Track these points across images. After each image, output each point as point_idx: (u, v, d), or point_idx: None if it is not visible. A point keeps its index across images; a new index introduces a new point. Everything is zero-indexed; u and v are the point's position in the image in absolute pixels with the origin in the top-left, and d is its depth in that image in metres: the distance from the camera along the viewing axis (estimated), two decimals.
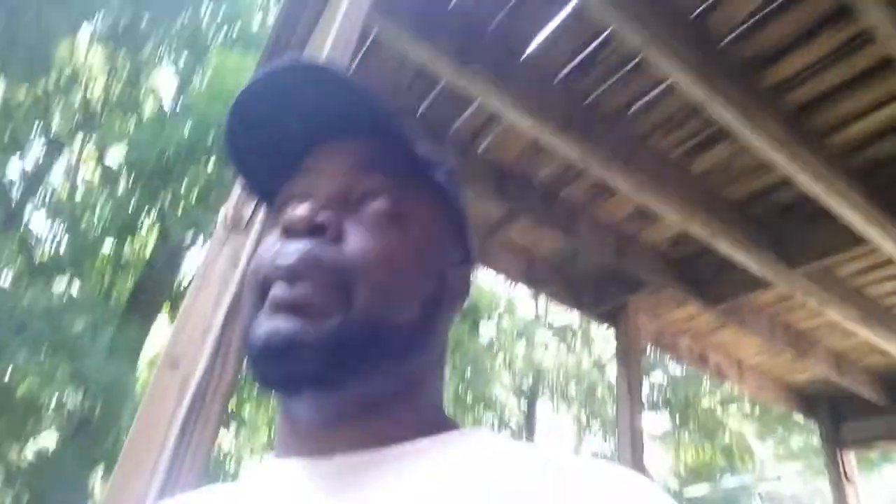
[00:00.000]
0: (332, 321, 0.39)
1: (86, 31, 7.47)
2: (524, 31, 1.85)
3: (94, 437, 6.44)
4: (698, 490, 11.20)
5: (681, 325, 3.45)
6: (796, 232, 2.38)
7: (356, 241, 0.42)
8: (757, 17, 1.66)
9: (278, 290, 0.40)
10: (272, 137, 0.48)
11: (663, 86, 1.92)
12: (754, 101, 1.69)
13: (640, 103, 2.01)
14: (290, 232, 0.42)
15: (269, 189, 0.50)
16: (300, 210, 0.42)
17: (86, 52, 7.92)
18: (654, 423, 11.88)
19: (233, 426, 8.74)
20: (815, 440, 5.06)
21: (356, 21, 1.06)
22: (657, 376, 11.43)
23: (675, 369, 11.18)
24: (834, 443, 3.85)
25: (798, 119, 1.90)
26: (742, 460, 11.56)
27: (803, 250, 2.37)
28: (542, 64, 1.92)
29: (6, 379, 6.36)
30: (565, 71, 1.94)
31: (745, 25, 1.67)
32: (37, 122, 7.72)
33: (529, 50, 1.89)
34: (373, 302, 0.40)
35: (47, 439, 7.62)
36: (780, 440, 11.39)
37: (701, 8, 1.65)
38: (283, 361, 0.38)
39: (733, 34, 1.69)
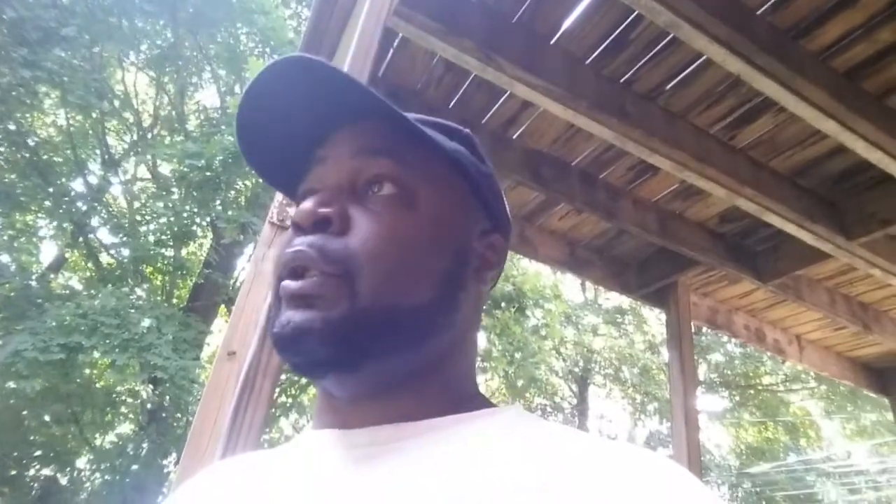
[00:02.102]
0: (338, 310, 0.40)
1: (134, 57, 7.88)
2: (551, 15, 1.82)
3: (165, 426, 6.87)
4: (760, 468, 10.85)
5: (734, 302, 3.34)
6: (853, 201, 2.27)
7: (362, 228, 0.43)
8: None
9: (288, 284, 0.42)
10: (281, 136, 0.49)
11: (699, 61, 1.86)
12: (796, 70, 1.61)
13: (675, 80, 1.95)
14: (298, 228, 0.43)
15: (292, 184, 0.51)
16: (306, 205, 0.43)
17: (135, 77, 8.35)
18: (713, 402, 11.56)
19: (293, 414, 9.09)
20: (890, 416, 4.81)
21: (376, 24, 1.09)
22: (716, 356, 11.09)
23: (734, 349, 10.82)
24: None
25: (848, 84, 1.80)
26: (808, 438, 11.11)
27: (861, 220, 2.25)
28: (571, 47, 1.90)
29: (86, 375, 6.86)
30: (596, 53, 1.91)
31: None
32: (95, 143, 8.19)
33: (558, 34, 1.87)
34: (379, 289, 0.41)
35: (125, 428, 8.17)
36: (850, 417, 10.87)
37: None
38: (299, 350, 0.41)
39: (768, 4, 1.62)
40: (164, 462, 7.07)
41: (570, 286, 11.67)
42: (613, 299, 11.37)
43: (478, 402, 0.47)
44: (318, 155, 0.48)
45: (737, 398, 11.50)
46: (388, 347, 0.42)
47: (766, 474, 10.78)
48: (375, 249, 0.42)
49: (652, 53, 1.88)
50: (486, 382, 9.83)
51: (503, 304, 8.28)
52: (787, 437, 11.40)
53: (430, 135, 0.47)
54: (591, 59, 1.93)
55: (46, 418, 7.20)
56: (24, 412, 6.84)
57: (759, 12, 1.65)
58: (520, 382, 9.77)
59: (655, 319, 11.14)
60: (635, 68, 1.94)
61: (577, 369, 11.69)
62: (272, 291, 0.44)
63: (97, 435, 7.91)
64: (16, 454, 7.13)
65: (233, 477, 0.48)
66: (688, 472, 0.38)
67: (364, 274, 0.41)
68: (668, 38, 1.81)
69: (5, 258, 7.00)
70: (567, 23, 1.84)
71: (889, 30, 1.69)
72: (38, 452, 7.38)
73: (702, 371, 10.88)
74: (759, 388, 11.20)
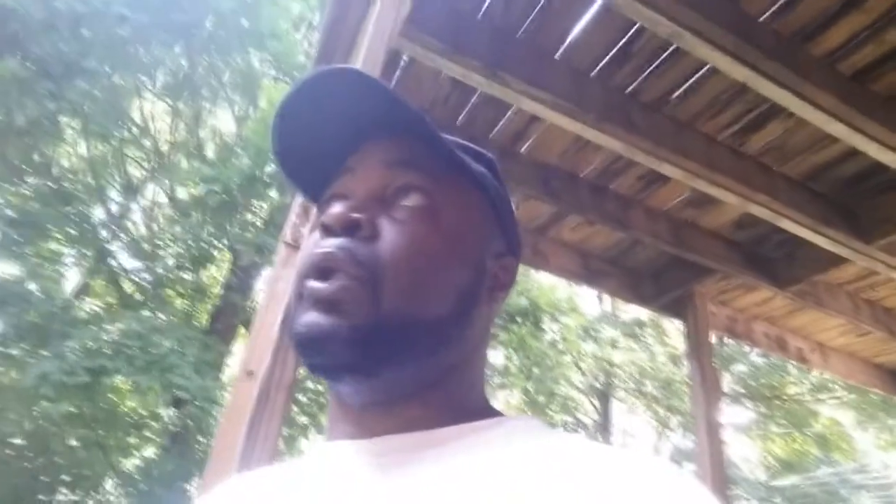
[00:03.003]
0: (362, 316, 0.41)
1: (151, 85, 8.13)
2: (554, 31, 1.85)
3: (187, 448, 6.92)
4: (790, 481, 10.53)
5: (753, 310, 3.29)
6: (868, 204, 2.24)
7: (389, 237, 0.44)
8: None
9: (314, 284, 0.43)
10: (315, 141, 0.51)
11: (704, 70, 1.87)
12: (803, 74, 1.61)
13: (681, 89, 1.96)
14: (327, 230, 0.44)
15: (317, 191, 0.52)
16: (336, 208, 0.45)
17: (152, 104, 8.61)
18: (739, 414, 11.30)
19: (312, 433, 9.08)
20: None
21: (381, 46, 1.12)
22: (739, 367, 10.86)
23: (757, 359, 10.59)
24: None
25: (856, 87, 1.79)
26: (840, 450, 10.78)
27: (879, 223, 2.22)
28: (576, 60, 1.92)
29: (110, 399, 6.96)
30: (601, 65, 1.93)
31: (781, 2, 1.60)
32: (115, 171, 8.43)
33: (562, 49, 1.89)
34: (402, 298, 0.42)
35: (148, 451, 8.24)
36: (884, 427, 10.53)
37: None
38: (321, 352, 0.42)
39: (770, 10, 1.63)
40: (186, 486, 7.11)
41: (587, 299, 11.57)
42: (632, 311, 11.24)
43: (488, 412, 0.48)
44: (350, 163, 0.49)
45: (763, 410, 11.22)
46: (405, 356, 0.43)
47: (797, 487, 10.46)
48: (402, 259, 0.43)
49: (657, 63, 1.89)
50: (507, 399, 9.73)
51: (519, 319, 8.23)
52: (817, 449, 11.07)
53: (459, 155, 0.48)
54: (596, 71, 1.95)
55: (73, 443, 7.30)
56: (52, 436, 6.96)
57: (761, 19, 1.66)
58: (540, 398, 9.66)
59: (675, 331, 10.98)
60: (640, 79, 1.95)
61: (598, 384, 11.53)
62: (293, 289, 0.45)
63: (121, 458, 7.99)
64: (43, 478, 7.22)
65: (253, 490, 0.49)
66: (695, 479, 0.38)
67: (389, 281, 0.42)
68: (672, 48, 1.82)
69: (32, 286, 7.17)
70: (570, 37, 1.87)
71: (892, 33, 1.68)
72: (66, 477, 7.47)
73: (725, 383, 10.66)
74: (785, 398, 10.93)
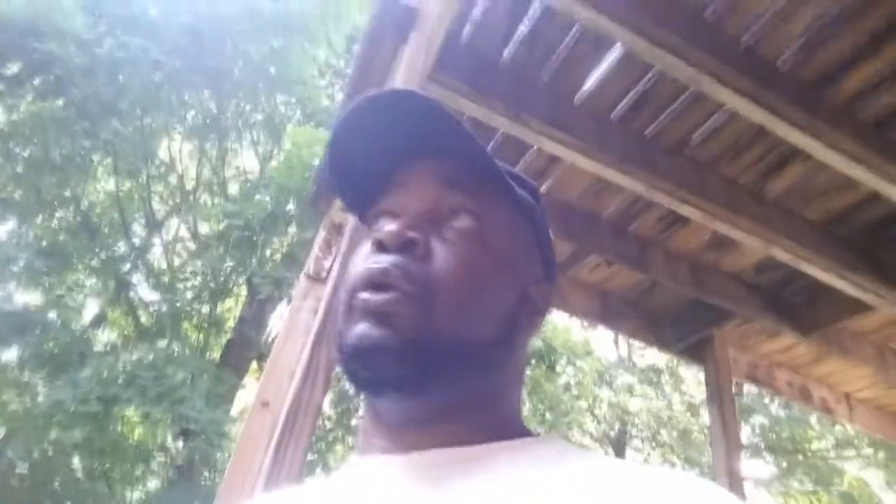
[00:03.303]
0: (414, 331, 0.42)
1: (180, 126, 8.47)
2: (575, 76, 1.91)
3: (193, 483, 6.81)
4: None
5: (776, 357, 3.22)
6: (893, 249, 2.22)
7: (441, 258, 0.45)
8: (812, 35, 1.64)
9: (368, 296, 0.43)
10: (367, 158, 0.51)
11: (724, 112, 1.91)
12: (822, 118, 1.64)
13: (700, 131, 2.00)
14: (382, 246, 0.45)
15: (362, 204, 0.53)
16: (392, 226, 0.45)
17: (180, 145, 8.94)
18: (759, 468, 10.86)
19: (319, 471, 8.90)
20: None
21: (412, 87, 1.17)
22: (759, 418, 10.52)
23: (779, 410, 10.26)
24: None
25: (877, 132, 1.81)
26: None
27: None
28: (596, 104, 1.97)
29: (119, 430, 6.93)
30: (620, 108, 1.98)
31: (799, 47, 1.65)
32: (140, 206, 8.69)
33: (582, 92, 1.95)
34: (452, 318, 0.43)
35: (153, 483, 8.11)
36: None
37: (750, 33, 1.65)
38: (370, 364, 0.42)
39: (788, 56, 1.68)
40: None
41: (603, 343, 11.40)
42: (648, 357, 11.02)
43: (524, 432, 0.48)
44: (399, 180, 0.50)
45: (784, 464, 10.78)
46: (451, 375, 0.44)
47: None
48: (453, 280, 0.44)
49: (676, 105, 1.94)
50: None
51: (533, 361, 8.12)
52: None
53: (508, 180, 0.49)
54: (616, 114, 2.00)
55: (78, 474, 7.24)
56: (58, 465, 6.91)
57: (779, 64, 1.70)
58: None
59: (693, 378, 10.71)
60: (660, 121, 1.99)
61: (613, 432, 11.22)
62: (343, 303, 0.46)
63: (126, 491, 7.88)
64: None
65: None
66: (731, 495, 0.38)
67: (440, 301, 0.43)
68: (690, 91, 1.87)
69: (52, 315, 7.28)
70: (590, 83, 1.93)
71: None
72: None
73: (745, 434, 10.30)
74: (808, 453, 10.51)
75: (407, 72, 1.30)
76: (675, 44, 1.50)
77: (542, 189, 2.35)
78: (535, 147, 2.14)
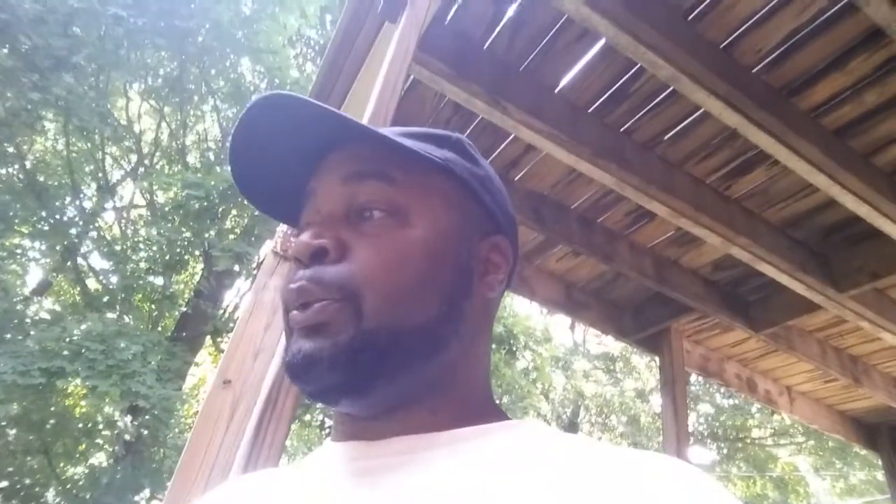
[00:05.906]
0: (345, 334, 0.41)
1: (138, 87, 8.07)
2: (556, 67, 1.91)
3: (141, 458, 6.65)
4: None
5: (727, 350, 3.37)
6: (843, 254, 2.33)
7: (360, 254, 0.43)
8: (785, 45, 1.69)
9: (296, 315, 0.43)
10: (275, 172, 0.50)
11: (697, 114, 1.95)
12: (789, 125, 1.70)
13: (674, 131, 2.03)
14: (297, 262, 0.44)
15: (296, 218, 0.51)
16: (301, 238, 0.44)
17: (139, 106, 8.52)
18: (702, 455, 11.41)
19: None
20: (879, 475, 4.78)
21: (401, 68, 1.14)
22: (705, 407, 11.02)
23: (723, 400, 10.77)
24: None
25: (837, 141, 1.89)
26: (796, 493, 10.94)
27: (851, 273, 2.31)
28: (575, 96, 1.98)
29: (63, 402, 6.68)
30: (598, 102, 1.99)
31: (773, 54, 1.69)
32: (93, 168, 8.27)
33: (562, 84, 1.95)
34: (384, 310, 0.42)
35: (97, 459, 7.89)
36: (839, 475, 10.75)
37: (729, 39, 1.69)
38: (309, 378, 0.42)
39: (763, 62, 1.72)
40: (137, 498, 6.81)
41: (559, 330, 11.65)
42: (602, 345, 11.35)
43: (495, 414, 0.47)
44: (310, 187, 0.49)
45: (725, 451, 11.36)
46: (395, 367, 0.42)
47: None
48: (374, 273, 0.42)
49: (652, 104, 1.97)
50: None
51: (493, 346, 8.25)
52: (775, 493, 11.23)
53: (413, 147, 0.46)
54: (593, 108, 2.01)
55: (13, 448, 6.95)
56: None
57: (754, 70, 1.74)
58: None
59: (645, 367, 11.10)
60: (636, 118, 2.02)
61: (565, 416, 11.54)
62: (284, 322, 0.45)
63: (69, 466, 7.63)
64: None
65: (253, 490, 0.49)
66: (706, 474, 0.37)
67: (366, 297, 0.42)
68: (667, 91, 1.90)
69: None
70: (570, 74, 1.93)
71: (874, 93, 1.79)
72: (3, 483, 7.09)
73: (690, 422, 10.79)
74: (748, 441, 11.10)
75: (397, 50, 1.26)
76: (658, 42, 1.51)
77: (516, 178, 2.36)
78: (511, 136, 2.13)
